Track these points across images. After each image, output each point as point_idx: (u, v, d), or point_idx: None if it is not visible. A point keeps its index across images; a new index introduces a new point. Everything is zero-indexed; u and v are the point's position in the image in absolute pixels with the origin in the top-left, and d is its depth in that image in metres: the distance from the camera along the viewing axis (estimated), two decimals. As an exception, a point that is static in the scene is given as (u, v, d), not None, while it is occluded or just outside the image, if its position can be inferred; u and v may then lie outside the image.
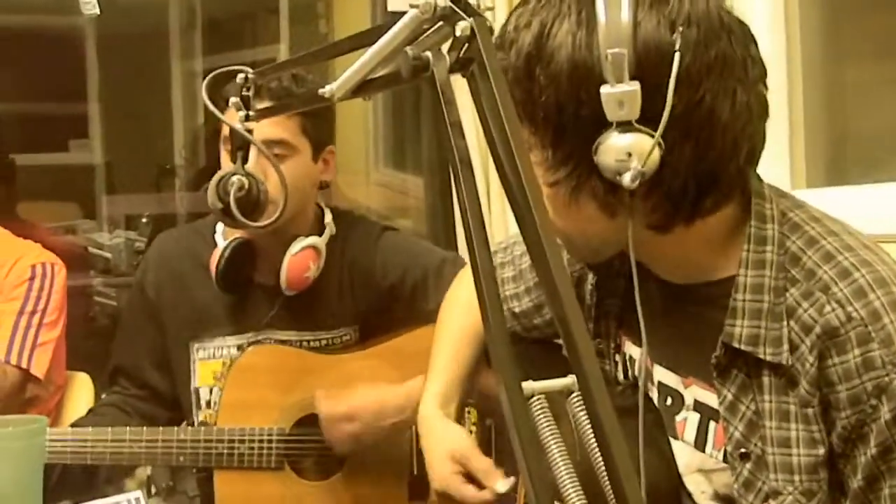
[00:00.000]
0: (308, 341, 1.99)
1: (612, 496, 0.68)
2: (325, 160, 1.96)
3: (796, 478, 1.09)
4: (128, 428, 1.87)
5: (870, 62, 2.08)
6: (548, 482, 0.74)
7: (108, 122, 5.71)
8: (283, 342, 1.98)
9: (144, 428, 1.89)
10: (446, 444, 1.46)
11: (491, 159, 0.80)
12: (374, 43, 0.92)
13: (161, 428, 1.89)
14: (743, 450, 1.13)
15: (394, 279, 2.02)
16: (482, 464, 1.42)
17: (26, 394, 2.13)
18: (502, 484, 1.39)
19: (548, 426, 0.69)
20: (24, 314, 2.16)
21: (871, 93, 2.05)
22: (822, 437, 1.08)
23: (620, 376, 1.32)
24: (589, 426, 0.69)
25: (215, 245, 1.94)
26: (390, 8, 2.79)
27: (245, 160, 1.32)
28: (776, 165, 1.93)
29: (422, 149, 3.84)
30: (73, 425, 1.99)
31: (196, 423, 1.98)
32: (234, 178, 1.29)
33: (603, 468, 0.68)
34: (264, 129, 1.74)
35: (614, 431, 0.67)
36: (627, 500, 0.65)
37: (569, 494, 0.68)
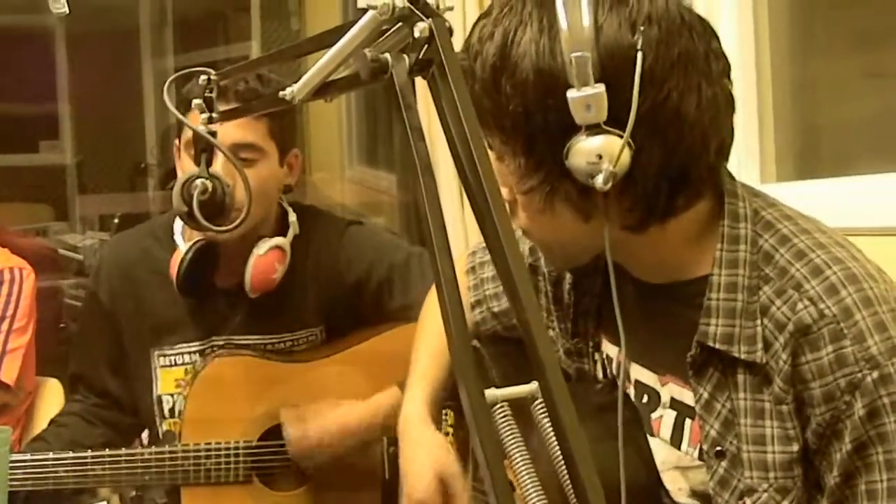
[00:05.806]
0: (273, 343, 1.93)
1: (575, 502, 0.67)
2: (289, 164, 1.90)
3: (771, 475, 1.09)
4: (89, 452, 1.81)
5: (838, 55, 2.08)
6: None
7: (78, 122, 5.66)
8: (246, 346, 1.92)
9: (106, 450, 1.83)
10: (434, 459, 1.41)
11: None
12: (335, 43, 0.91)
13: (123, 450, 1.84)
14: (719, 448, 1.13)
15: (359, 274, 1.95)
16: (464, 492, 1.39)
17: (-4, 401, 2.10)
18: None
19: (511, 433, 0.68)
20: (-8, 321, 2.13)
21: (841, 86, 2.05)
22: (797, 433, 1.08)
23: (599, 374, 1.32)
24: (552, 432, 0.68)
25: (174, 246, 1.87)
26: (360, 4, 2.76)
27: (209, 163, 1.30)
28: (746, 160, 1.93)
29: (395, 146, 3.83)
30: (35, 439, 1.95)
31: (160, 434, 1.93)
32: (198, 182, 1.27)
33: (566, 474, 0.67)
34: (232, 133, 1.70)
35: (577, 438, 0.66)
36: (591, 507, 0.64)
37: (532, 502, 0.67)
